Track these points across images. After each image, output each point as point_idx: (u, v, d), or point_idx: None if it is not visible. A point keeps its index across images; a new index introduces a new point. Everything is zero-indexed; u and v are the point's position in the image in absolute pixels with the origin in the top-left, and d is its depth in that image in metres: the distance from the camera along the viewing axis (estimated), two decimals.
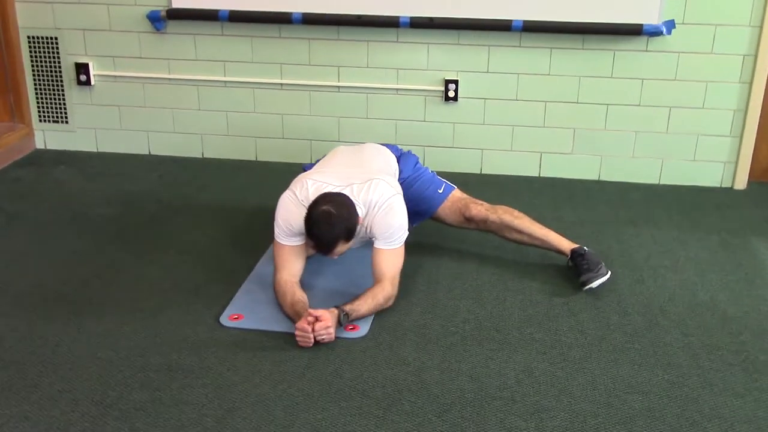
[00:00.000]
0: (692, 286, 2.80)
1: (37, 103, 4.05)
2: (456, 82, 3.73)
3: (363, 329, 2.49)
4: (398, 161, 2.98)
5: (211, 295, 2.68)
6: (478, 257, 2.99)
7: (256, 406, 2.11)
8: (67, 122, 4.07)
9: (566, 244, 2.85)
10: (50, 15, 3.88)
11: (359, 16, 3.63)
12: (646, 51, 3.59)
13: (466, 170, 3.89)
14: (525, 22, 3.54)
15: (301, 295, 2.55)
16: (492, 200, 3.19)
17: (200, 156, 4.03)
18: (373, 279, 2.61)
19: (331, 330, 2.37)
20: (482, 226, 2.90)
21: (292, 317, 2.47)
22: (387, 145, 3.04)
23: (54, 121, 4.08)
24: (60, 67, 3.96)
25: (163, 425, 2.03)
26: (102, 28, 3.86)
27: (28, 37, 3.93)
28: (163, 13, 3.74)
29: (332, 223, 2.44)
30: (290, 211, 2.60)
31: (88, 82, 3.95)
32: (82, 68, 3.93)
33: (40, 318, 2.52)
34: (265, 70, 3.84)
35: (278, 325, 2.50)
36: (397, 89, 3.80)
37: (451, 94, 3.75)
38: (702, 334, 2.50)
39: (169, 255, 2.98)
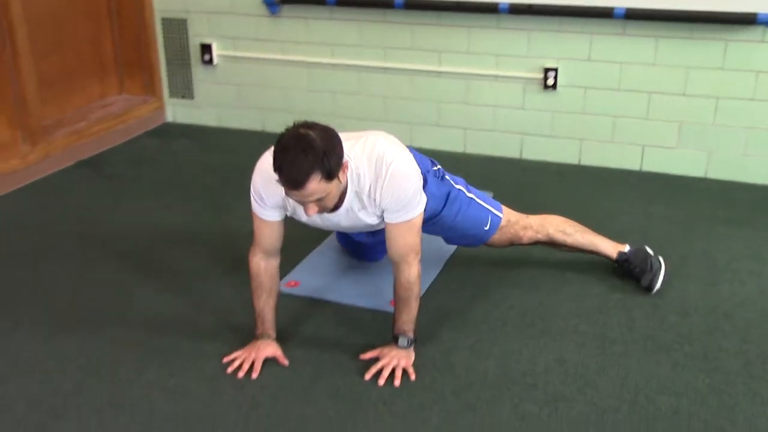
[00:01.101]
0: None
1: (168, 79, 4.41)
2: (556, 70, 3.66)
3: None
4: (425, 180, 2.34)
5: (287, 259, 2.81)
6: (541, 247, 2.93)
7: (277, 366, 2.25)
8: (193, 98, 4.40)
9: (612, 251, 2.70)
10: (180, 0, 4.21)
11: (459, 2, 3.65)
12: (762, 41, 3.34)
13: (564, 160, 3.81)
14: (628, 9, 3.41)
15: (276, 286, 2.30)
16: (592, 193, 3.09)
17: None
18: (391, 261, 2.26)
19: (396, 362, 2.19)
20: (532, 245, 2.74)
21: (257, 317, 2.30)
22: (412, 151, 2.35)
23: (182, 97, 4.42)
24: (188, 47, 4.29)
25: (189, 371, 2.21)
26: (225, 11, 4.13)
27: (162, 19, 4.28)
28: None
29: (305, 147, 1.91)
30: (263, 174, 2.14)
31: (211, 62, 4.25)
32: (206, 48, 4.23)
33: (125, 272, 2.79)
34: (369, 53, 3.95)
35: (331, 295, 2.61)
36: (496, 76, 3.78)
37: (551, 82, 3.68)
38: (764, 343, 2.34)
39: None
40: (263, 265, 2.28)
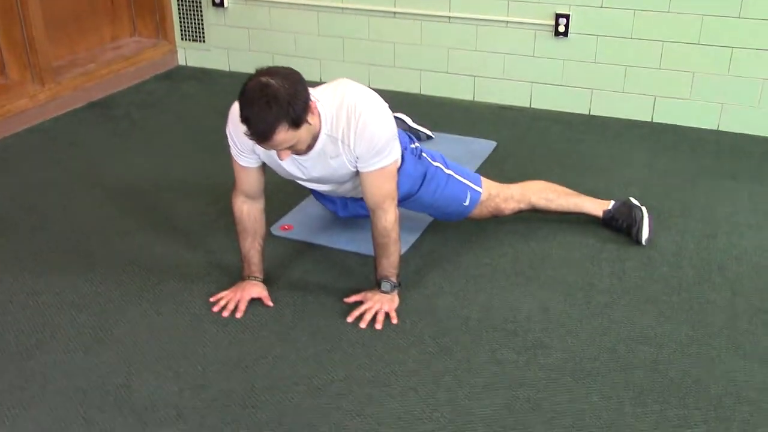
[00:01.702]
0: None
1: (180, 22, 4.39)
2: (567, 16, 3.57)
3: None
4: (402, 156, 2.34)
5: (280, 206, 2.83)
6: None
7: (261, 306, 2.28)
8: (204, 41, 4.39)
9: (597, 210, 2.67)
10: None
11: None
12: None
13: (574, 110, 3.74)
14: None
15: (261, 228, 2.31)
16: (600, 143, 3.06)
17: (318, 80, 4.19)
18: (367, 209, 2.23)
19: (386, 308, 2.21)
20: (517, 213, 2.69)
21: (243, 259, 2.32)
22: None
23: (193, 40, 4.41)
24: None
25: (186, 313, 2.24)
26: None
27: None
28: None
29: (269, 98, 1.86)
30: (235, 122, 2.05)
31: (222, 4, 4.22)
32: None
33: (123, 210, 2.83)
34: None
35: (323, 239, 2.62)
36: (507, 21, 3.71)
37: (562, 29, 3.60)
38: (754, 296, 2.31)
39: None
40: (246, 208, 2.29)
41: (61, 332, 2.15)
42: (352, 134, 2.09)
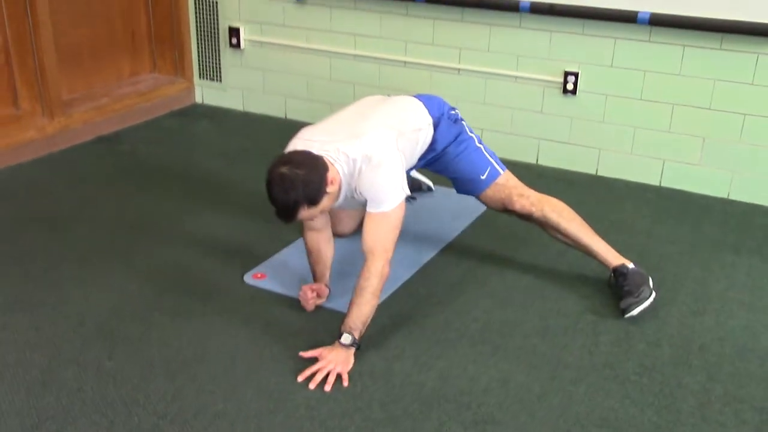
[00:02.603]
0: (759, 330, 2.43)
1: (198, 61, 4.45)
2: (576, 74, 3.50)
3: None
4: (436, 126, 2.62)
5: (258, 255, 2.80)
6: (525, 259, 2.82)
7: (223, 354, 2.22)
8: (220, 81, 4.43)
9: (611, 259, 2.59)
10: None
11: None
12: None
13: (581, 169, 3.65)
14: (653, 14, 3.22)
15: (325, 253, 2.52)
16: (603, 205, 2.99)
17: None
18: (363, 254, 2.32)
19: (333, 365, 2.15)
20: (526, 219, 2.68)
21: (311, 272, 2.55)
22: (428, 101, 2.66)
23: (210, 79, 4.46)
24: (218, 29, 4.31)
25: (139, 360, 2.21)
26: None
27: (195, 0, 4.31)
28: None
29: (287, 187, 2.18)
30: None
31: (238, 46, 4.26)
32: (234, 32, 4.24)
33: (99, 246, 2.82)
34: (391, 46, 3.88)
35: (294, 290, 2.56)
36: (516, 77, 3.65)
37: (570, 86, 3.53)
38: (731, 384, 2.17)
39: (238, 209, 3.15)
40: (313, 237, 2.51)
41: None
42: (361, 178, 2.34)
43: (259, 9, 4.14)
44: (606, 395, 2.12)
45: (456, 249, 2.90)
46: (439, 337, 2.35)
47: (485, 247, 2.91)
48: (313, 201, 2.22)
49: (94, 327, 2.35)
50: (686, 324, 2.46)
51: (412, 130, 2.54)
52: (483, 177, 2.66)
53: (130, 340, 2.29)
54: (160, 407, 2.02)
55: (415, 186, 3.24)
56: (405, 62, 3.88)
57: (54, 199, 3.24)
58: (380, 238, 2.29)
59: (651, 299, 2.48)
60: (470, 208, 3.19)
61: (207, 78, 4.46)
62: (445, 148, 2.65)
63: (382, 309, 2.48)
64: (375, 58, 3.94)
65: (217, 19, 4.28)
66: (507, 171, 2.72)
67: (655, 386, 2.16)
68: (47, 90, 3.69)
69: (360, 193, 2.35)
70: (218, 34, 4.31)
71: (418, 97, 2.68)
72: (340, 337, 2.20)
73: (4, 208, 3.14)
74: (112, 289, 2.56)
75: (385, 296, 2.54)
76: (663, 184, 3.51)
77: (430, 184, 3.32)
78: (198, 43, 4.40)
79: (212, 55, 4.39)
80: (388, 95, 2.78)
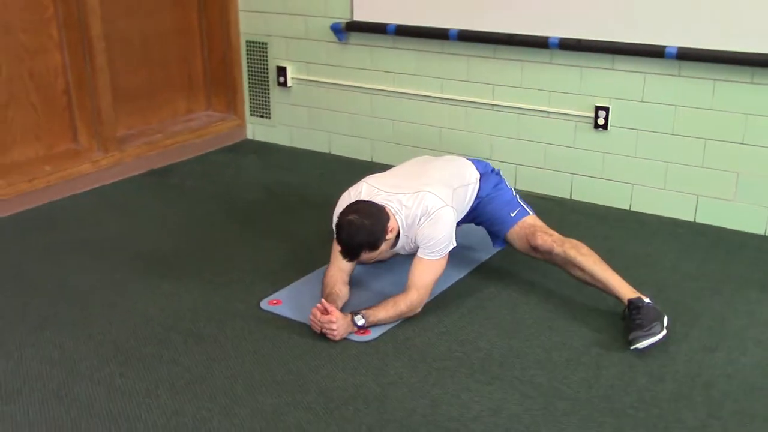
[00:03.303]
0: None
1: (250, 98, 4.65)
2: (607, 109, 3.50)
3: (373, 335, 2.54)
4: (480, 179, 2.94)
5: (278, 282, 2.91)
6: (542, 291, 2.83)
7: (226, 375, 2.32)
8: (270, 118, 4.61)
9: (626, 292, 2.57)
10: (263, 24, 4.42)
11: (511, 35, 3.59)
12: None
13: (614, 204, 3.62)
14: (680, 49, 3.20)
15: (339, 289, 2.68)
16: (632, 240, 3.08)
17: (369, 159, 4.29)
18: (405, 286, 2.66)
19: (334, 326, 2.46)
20: (547, 258, 2.74)
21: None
22: (476, 161, 3.01)
23: (260, 116, 4.65)
24: (267, 69, 4.51)
25: (148, 378, 2.33)
26: (300, 36, 4.31)
27: (246, 42, 4.53)
28: (343, 25, 4.07)
29: (353, 233, 2.52)
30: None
31: (285, 84, 4.44)
32: (281, 71, 4.43)
33: (133, 272, 2.99)
34: (427, 83, 3.97)
35: (302, 317, 2.64)
36: (548, 112, 3.67)
37: (601, 121, 3.52)
38: (732, 421, 2.12)
39: (271, 242, 3.27)
40: (333, 277, 2.73)
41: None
42: (417, 230, 2.65)
43: (305, 49, 4.31)
44: (597, 428, 2.10)
45: (470, 281, 2.93)
46: (438, 366, 2.39)
47: (502, 280, 2.92)
48: (374, 246, 2.56)
49: (112, 346, 2.49)
50: (695, 360, 2.41)
51: (462, 186, 2.85)
52: (512, 215, 2.86)
53: (143, 360, 2.42)
54: (160, 422, 2.12)
55: None
56: (441, 98, 3.96)
57: (100, 227, 3.44)
58: (425, 279, 2.63)
59: (661, 336, 2.45)
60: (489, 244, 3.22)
61: (257, 115, 4.65)
62: (487, 194, 2.92)
63: (387, 334, 2.54)
64: (413, 95, 4.03)
65: (267, 59, 4.48)
66: (535, 215, 2.90)
67: (651, 420, 2.13)
68: (102, 127, 3.94)
69: (415, 242, 2.66)
70: (267, 73, 4.51)
71: (467, 158, 3.03)
72: (354, 315, 2.54)
73: (53, 234, 3.36)
74: (136, 313, 2.70)
75: (390, 326, 2.60)
76: (697, 220, 3.45)
77: None
78: (249, 82, 4.61)
79: (263, 94, 4.58)
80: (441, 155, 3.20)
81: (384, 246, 2.61)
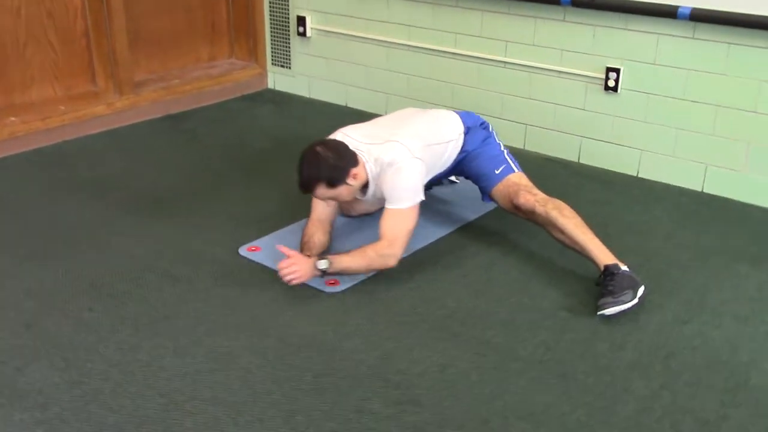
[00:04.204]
0: (742, 344, 2.28)
1: (272, 47, 4.65)
2: (618, 71, 3.38)
3: (342, 286, 2.55)
4: (467, 133, 2.88)
5: (264, 230, 2.93)
6: (524, 253, 2.79)
7: (191, 316, 2.37)
8: (290, 68, 4.61)
9: (603, 258, 2.51)
10: None
11: None
12: None
13: (622, 170, 3.51)
14: (694, 9, 3.06)
15: (318, 239, 2.67)
16: (631, 207, 3.03)
17: (384, 112, 4.25)
18: None
19: (297, 269, 2.44)
20: (530, 217, 2.68)
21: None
22: (465, 115, 2.94)
23: (281, 66, 4.65)
24: (288, 18, 4.49)
25: (114, 314, 2.40)
26: None
27: None
28: None
29: (314, 163, 2.49)
30: None
31: (304, 34, 4.42)
32: (301, 21, 4.41)
33: (126, 212, 3.05)
34: (442, 38, 3.90)
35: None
36: (559, 71, 3.57)
37: (612, 83, 3.41)
38: (684, 393, 2.07)
39: (267, 191, 3.29)
40: (311, 232, 2.69)
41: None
42: (383, 180, 2.60)
43: None
44: (544, 390, 2.08)
45: (452, 240, 2.90)
46: (398, 320, 2.39)
47: (486, 239, 2.89)
48: (331, 184, 2.51)
49: (87, 282, 2.57)
50: (663, 331, 2.35)
51: (440, 143, 2.79)
52: (497, 172, 2.80)
53: (114, 296, 2.49)
54: (115, 357, 2.19)
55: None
56: (454, 54, 3.88)
57: (105, 167, 3.53)
58: (394, 230, 2.55)
59: (630, 304, 2.39)
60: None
61: (278, 65, 4.66)
62: (473, 149, 2.87)
63: (357, 287, 2.55)
64: (427, 50, 3.97)
65: (288, 9, 4.46)
66: (522, 172, 2.83)
67: (599, 387, 2.09)
68: (118, 70, 4.00)
69: (381, 192, 2.60)
70: (288, 22, 4.50)
71: (457, 112, 2.95)
72: (318, 259, 2.49)
73: (59, 172, 3.46)
74: (120, 252, 2.77)
75: (363, 276, 2.60)
76: (705, 190, 3.32)
77: (453, 177, 3.32)
78: (271, 31, 4.61)
79: (283, 43, 4.58)
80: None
81: (345, 191, 2.56)
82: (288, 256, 2.47)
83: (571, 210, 2.65)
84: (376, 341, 2.28)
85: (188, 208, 3.12)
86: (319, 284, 2.55)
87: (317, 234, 2.70)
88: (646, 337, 2.31)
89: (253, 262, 2.71)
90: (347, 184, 2.55)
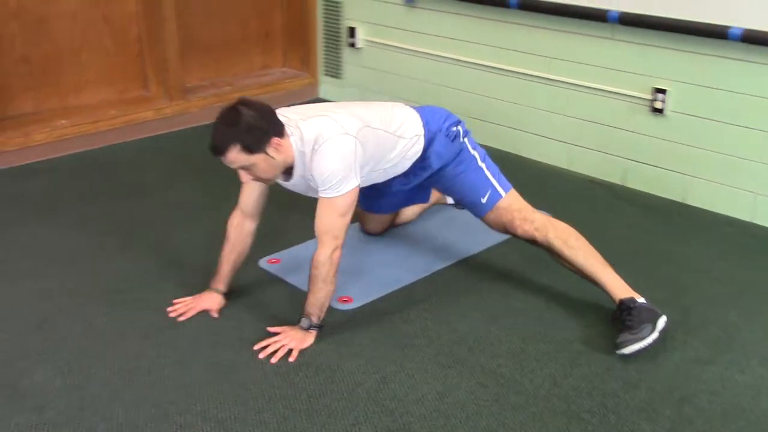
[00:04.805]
0: (766, 390, 2.13)
1: (324, 58, 4.66)
2: (664, 92, 3.23)
3: (355, 303, 2.52)
4: (430, 141, 2.49)
5: (289, 242, 2.93)
6: (544, 281, 2.66)
7: (197, 327, 2.38)
8: (341, 78, 4.61)
9: (618, 291, 2.38)
10: None
11: (569, 5, 3.38)
12: None
13: (668, 195, 3.36)
14: (746, 31, 2.90)
15: (239, 247, 2.46)
16: (670, 236, 2.91)
17: None
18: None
19: (285, 340, 2.27)
20: (530, 243, 2.52)
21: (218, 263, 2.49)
22: (431, 113, 2.56)
23: (332, 76, 4.65)
24: (340, 28, 4.49)
25: (126, 321, 2.43)
26: None
27: (322, 1, 4.53)
28: None
29: (232, 121, 2.14)
30: None
31: (354, 45, 4.41)
32: (352, 32, 4.40)
33: (156, 219, 3.10)
34: (487, 52, 3.82)
35: (293, 278, 2.65)
36: (604, 91, 3.44)
37: (659, 105, 3.26)
38: None
39: (296, 200, 3.28)
40: (236, 222, 2.48)
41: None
42: (308, 163, 2.27)
43: (375, 10, 4.26)
44: (541, 428, 1.99)
45: (474, 263, 2.82)
46: (406, 343, 2.33)
47: (505, 266, 2.79)
48: (249, 149, 2.14)
49: (105, 288, 2.61)
50: (682, 371, 2.22)
51: (389, 132, 2.43)
52: (483, 200, 2.53)
53: (129, 303, 2.52)
54: (118, 363, 2.21)
55: None
56: (500, 69, 3.80)
57: (147, 173, 3.59)
58: (327, 223, 2.27)
59: (650, 340, 2.27)
60: None
61: (330, 75, 4.66)
62: (444, 167, 2.54)
63: (370, 305, 2.51)
64: (473, 64, 3.90)
65: (339, 20, 4.47)
66: (512, 192, 2.56)
67: (603, 428, 1.99)
68: (168, 76, 4.08)
69: (311, 176, 2.28)
70: (340, 33, 4.50)
71: (419, 108, 2.60)
72: (299, 321, 2.30)
73: (102, 176, 3.54)
74: (142, 258, 2.80)
75: (378, 295, 2.56)
76: (755, 221, 3.14)
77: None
78: (325, 41, 4.62)
79: (335, 53, 4.58)
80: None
81: (264, 163, 2.20)
82: (276, 337, 2.29)
83: (577, 236, 2.47)
84: (378, 363, 2.23)
85: (218, 216, 3.12)
86: (331, 301, 2.51)
87: (241, 238, 2.46)
88: (662, 377, 2.19)
89: (272, 275, 2.71)
90: (267, 154, 2.19)
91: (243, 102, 2.21)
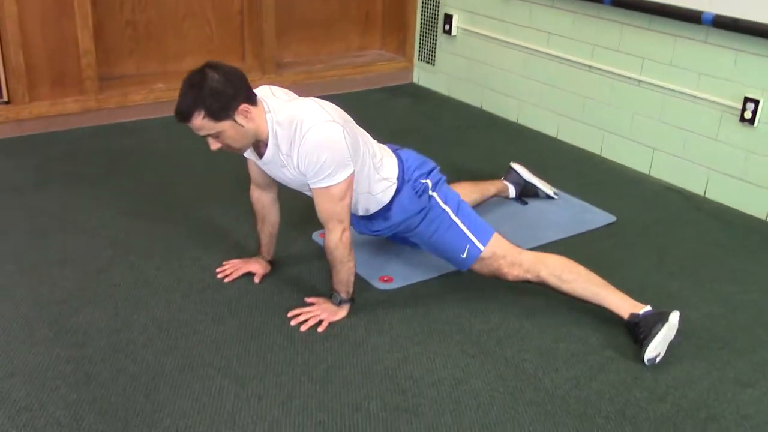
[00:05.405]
0: None
1: (420, 43, 4.68)
2: (757, 102, 3.06)
3: (395, 284, 2.55)
4: (400, 186, 2.39)
5: None
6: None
7: (239, 289, 2.47)
8: (434, 64, 4.62)
9: (623, 311, 2.30)
10: None
11: (663, 4, 3.24)
12: None
13: (750, 211, 3.18)
14: None
15: (269, 217, 2.50)
16: (750, 253, 2.83)
17: (515, 120, 4.15)
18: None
19: (317, 311, 2.33)
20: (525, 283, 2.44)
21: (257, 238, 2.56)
22: (407, 161, 2.43)
23: (426, 62, 4.66)
24: (437, 15, 4.49)
25: (177, 274, 2.56)
26: None
27: None
28: None
29: (197, 85, 2.04)
30: None
31: (449, 32, 4.40)
32: (448, 19, 4.39)
33: (228, 185, 3.22)
34: (579, 48, 3.72)
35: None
36: (694, 96, 3.29)
37: (748, 114, 3.09)
38: None
39: None
40: (256, 195, 2.51)
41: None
42: (295, 152, 2.17)
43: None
44: (551, 428, 1.95)
45: None
46: (436, 328, 2.34)
47: None
48: (214, 115, 2.06)
49: (165, 244, 2.75)
50: (716, 390, 2.12)
51: (366, 144, 2.33)
52: (463, 256, 2.42)
53: (181, 260, 2.65)
54: (159, 314, 2.34)
55: (530, 192, 3.15)
56: (590, 66, 3.70)
57: None
58: (329, 210, 2.22)
59: (663, 332, 2.19)
60: (583, 221, 3.02)
61: (424, 60, 4.68)
62: (416, 227, 2.43)
63: (407, 289, 2.53)
64: (563, 59, 3.82)
65: (438, 5, 4.47)
66: (493, 239, 2.41)
67: None
68: (263, 50, 4.22)
69: (297, 167, 2.19)
70: (437, 19, 4.50)
71: (399, 151, 2.50)
72: (330, 296, 2.36)
73: (186, 142, 3.69)
74: (203, 222, 2.94)
75: (420, 279, 2.58)
76: None
77: (549, 191, 3.17)
78: (421, 26, 4.63)
79: (430, 39, 4.59)
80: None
81: (232, 131, 2.10)
82: (309, 307, 2.35)
83: (570, 268, 2.36)
84: (403, 343, 2.25)
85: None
86: (372, 279, 2.55)
87: (267, 210, 2.48)
88: (693, 394, 2.10)
89: (316, 243, 2.77)
90: (234, 121, 2.08)
91: (210, 65, 2.09)
